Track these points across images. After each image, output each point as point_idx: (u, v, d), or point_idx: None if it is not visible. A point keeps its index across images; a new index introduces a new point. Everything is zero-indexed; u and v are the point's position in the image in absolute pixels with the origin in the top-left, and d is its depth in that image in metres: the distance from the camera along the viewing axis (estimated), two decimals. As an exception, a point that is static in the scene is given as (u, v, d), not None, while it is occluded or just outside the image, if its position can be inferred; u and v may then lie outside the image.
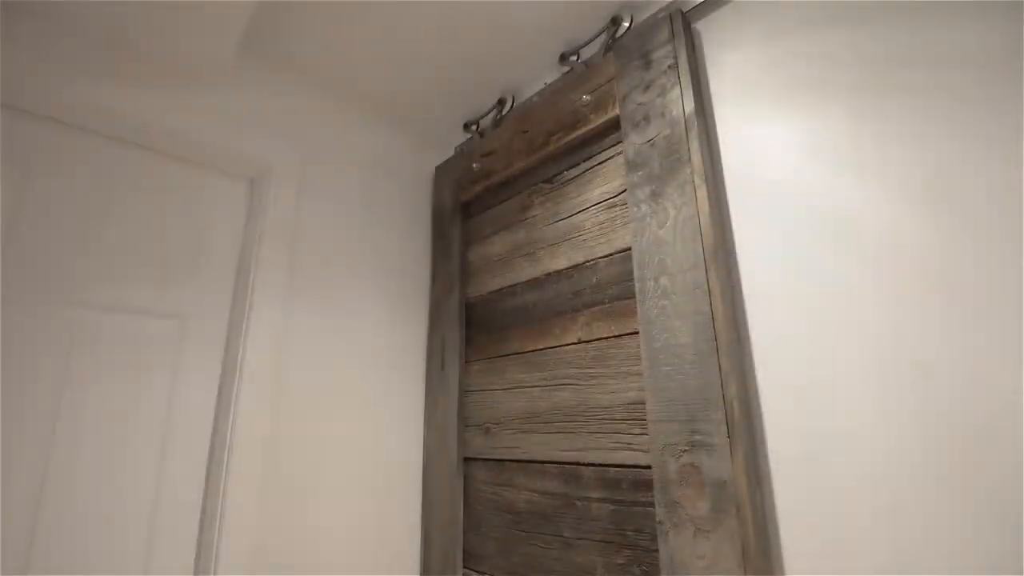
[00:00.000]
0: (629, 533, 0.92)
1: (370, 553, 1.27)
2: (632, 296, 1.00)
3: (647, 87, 1.03)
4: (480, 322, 1.35)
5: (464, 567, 1.23)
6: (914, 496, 0.66)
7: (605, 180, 1.11)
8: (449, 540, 1.25)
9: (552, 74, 1.36)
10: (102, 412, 1.05)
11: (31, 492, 0.96)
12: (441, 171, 1.60)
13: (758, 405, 0.82)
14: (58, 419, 1.00)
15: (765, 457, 0.80)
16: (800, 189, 0.84)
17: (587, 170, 1.15)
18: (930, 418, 0.66)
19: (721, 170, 0.95)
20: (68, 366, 1.03)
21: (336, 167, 1.46)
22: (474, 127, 1.54)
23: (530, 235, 1.26)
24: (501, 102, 1.44)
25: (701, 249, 0.87)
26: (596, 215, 1.11)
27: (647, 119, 1.02)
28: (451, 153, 1.65)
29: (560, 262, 1.17)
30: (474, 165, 1.43)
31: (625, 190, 1.05)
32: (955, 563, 0.62)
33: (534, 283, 1.22)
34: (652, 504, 0.89)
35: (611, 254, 1.06)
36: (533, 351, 1.18)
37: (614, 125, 1.11)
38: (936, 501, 0.65)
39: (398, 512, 1.34)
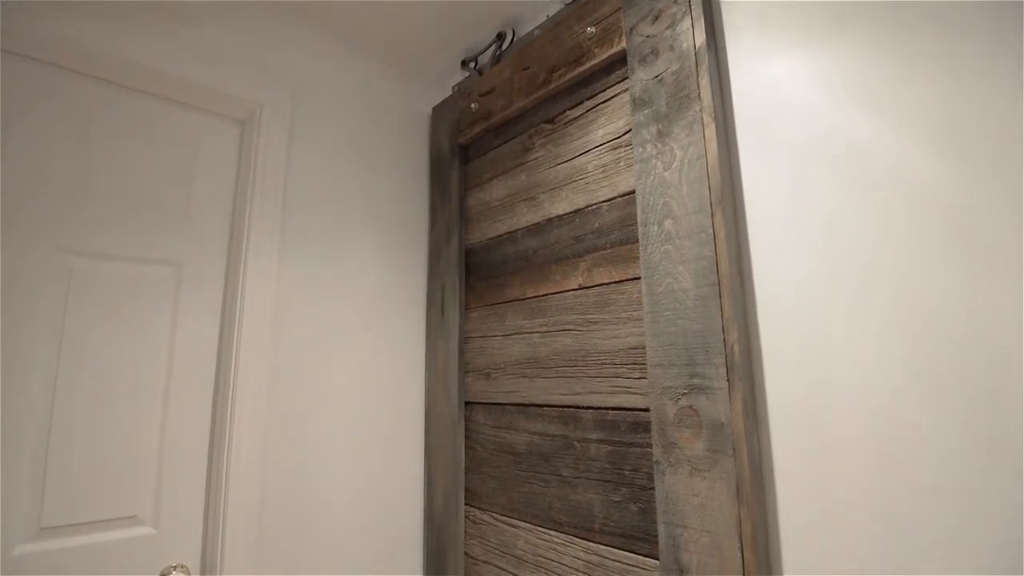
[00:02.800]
0: (626, 472, 0.95)
1: (374, 493, 1.32)
2: (635, 241, 0.98)
3: (656, 18, 0.97)
4: (480, 269, 1.34)
5: (466, 504, 1.27)
6: (912, 445, 0.67)
7: (609, 120, 1.06)
8: (451, 480, 1.29)
9: (555, 5, 1.28)
10: (103, 360, 1.05)
11: (38, 442, 0.98)
12: (438, 112, 1.54)
13: (759, 350, 0.82)
14: (59, 368, 1.01)
15: (764, 401, 0.81)
16: (812, 129, 0.80)
17: (591, 109, 1.10)
18: (931, 367, 0.66)
19: (731, 108, 0.91)
20: (64, 314, 1.03)
21: (329, 109, 1.40)
22: (472, 64, 1.46)
23: (531, 179, 1.23)
24: (500, 37, 1.37)
25: (707, 191, 0.85)
26: (599, 157, 1.07)
27: (655, 53, 0.96)
28: (449, 93, 1.58)
29: (561, 207, 1.14)
30: (472, 105, 1.38)
31: (630, 130, 1.01)
32: (952, 512, 0.63)
33: (535, 229, 1.20)
34: (649, 445, 0.91)
35: (614, 198, 1.03)
36: (534, 297, 1.17)
37: (620, 60, 1.05)
38: (934, 449, 0.65)
39: (400, 454, 1.38)
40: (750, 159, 0.87)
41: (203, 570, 1.10)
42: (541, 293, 1.16)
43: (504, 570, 1.15)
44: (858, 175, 0.75)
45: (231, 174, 1.28)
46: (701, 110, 0.88)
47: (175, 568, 1.06)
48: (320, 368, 1.28)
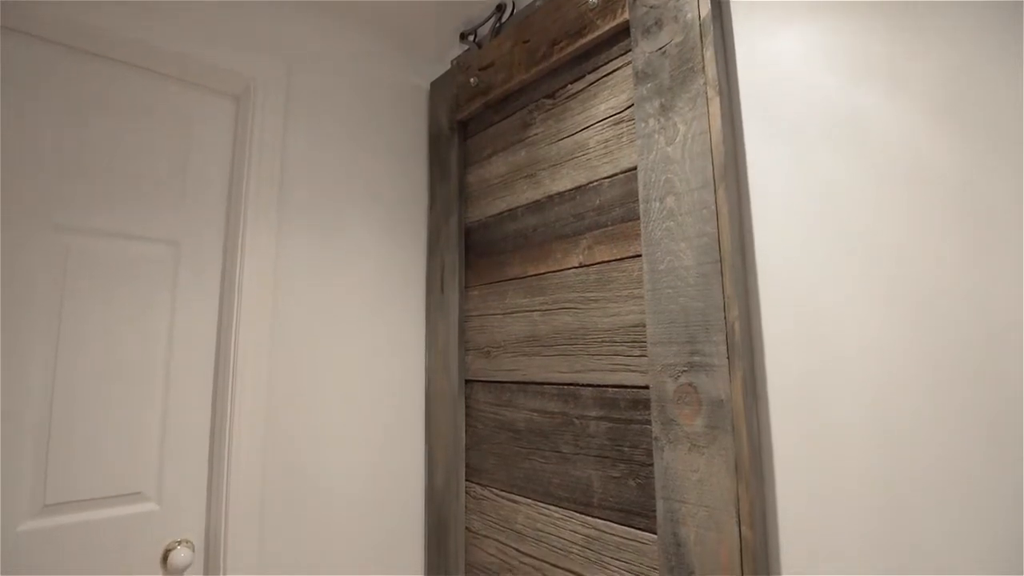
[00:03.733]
0: (625, 449, 0.95)
1: (375, 468, 1.33)
2: (636, 218, 0.97)
3: (660, -13, 0.94)
4: (480, 247, 1.33)
5: (467, 480, 1.29)
6: (912, 423, 0.67)
7: (612, 94, 1.04)
8: (452, 457, 1.30)
9: (556, -25, 1.24)
10: (102, 339, 1.05)
11: (39, 420, 0.98)
12: (436, 87, 1.51)
13: (760, 327, 0.82)
14: (58, 346, 1.00)
15: (764, 378, 0.81)
16: (817, 104, 0.78)
17: (593, 83, 1.08)
18: (933, 345, 0.66)
19: (736, 82, 0.89)
20: (63, 292, 1.02)
21: (325, 84, 1.37)
22: (471, 37, 1.43)
23: (531, 155, 1.21)
24: (500, 8, 1.33)
25: (711, 167, 0.83)
26: (601, 132, 1.05)
27: (659, 24, 0.94)
28: (447, 67, 1.55)
29: (562, 183, 1.12)
30: (471, 80, 1.35)
31: (632, 104, 0.99)
32: (951, 493, 0.64)
33: (535, 206, 1.18)
34: (648, 422, 0.91)
35: (615, 174, 1.02)
36: (534, 275, 1.17)
37: (623, 31, 1.03)
38: (934, 428, 0.65)
39: (401, 431, 1.39)
40: (754, 134, 0.86)
41: (207, 545, 1.12)
42: (541, 271, 1.15)
43: (504, 544, 1.17)
44: (863, 151, 0.73)
45: (227, 151, 1.26)
46: (705, 83, 0.86)
47: (179, 543, 1.07)
48: (320, 346, 1.28)
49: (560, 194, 1.13)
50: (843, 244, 0.74)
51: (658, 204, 0.90)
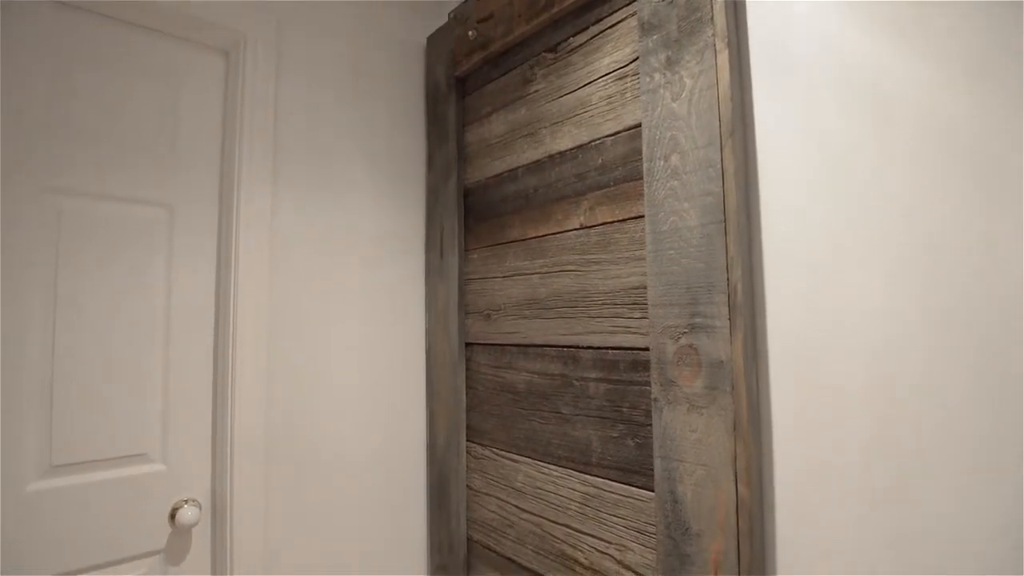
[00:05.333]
0: (624, 410, 0.96)
1: (377, 430, 1.35)
2: (639, 177, 0.95)
3: (669, -71, 0.89)
4: (479, 209, 1.31)
5: (468, 441, 1.30)
6: (916, 385, 0.66)
7: (616, 47, 1.00)
8: (453, 418, 1.32)
9: (558, -82, 1.17)
10: (99, 302, 1.04)
11: (40, 382, 0.98)
12: (433, 42, 1.46)
13: (762, 288, 0.81)
14: (56, 310, 1.00)
15: (765, 339, 0.80)
16: (832, 59, 0.75)
17: (596, 35, 1.04)
18: (938, 308, 0.65)
19: (746, 33, 0.85)
20: (57, 255, 1.01)
21: (317, 39, 1.32)
22: (469, -12, 1.36)
23: (532, 112, 1.17)
24: (499, -45, 1.26)
25: (717, 123, 0.81)
26: (604, 88, 1.02)
27: (666, -30, 0.89)
28: (445, 20, 1.49)
29: (564, 142, 1.09)
30: (469, 33, 1.29)
31: (637, 58, 0.95)
32: (954, 456, 0.64)
33: (535, 166, 1.16)
34: (648, 383, 0.92)
35: (619, 132, 0.99)
36: (534, 238, 1.15)
37: (628, -20, 0.97)
38: (938, 391, 0.65)
39: (403, 393, 1.40)
40: (763, 89, 0.82)
41: (214, 503, 1.14)
42: (542, 233, 1.13)
43: (504, 501, 1.19)
44: (877, 109, 0.71)
45: (218, 110, 1.22)
46: (714, 35, 0.82)
47: (186, 502, 1.10)
48: (319, 308, 1.28)
49: (561, 153, 1.10)
50: (850, 204, 0.72)
51: (662, 163, 0.88)
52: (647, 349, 0.92)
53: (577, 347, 1.05)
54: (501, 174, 1.24)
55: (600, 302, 1.01)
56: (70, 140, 1.03)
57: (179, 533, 1.09)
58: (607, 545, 0.97)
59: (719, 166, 0.80)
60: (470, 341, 1.31)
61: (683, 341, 0.84)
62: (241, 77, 1.19)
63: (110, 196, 1.07)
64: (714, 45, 0.82)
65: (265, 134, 1.21)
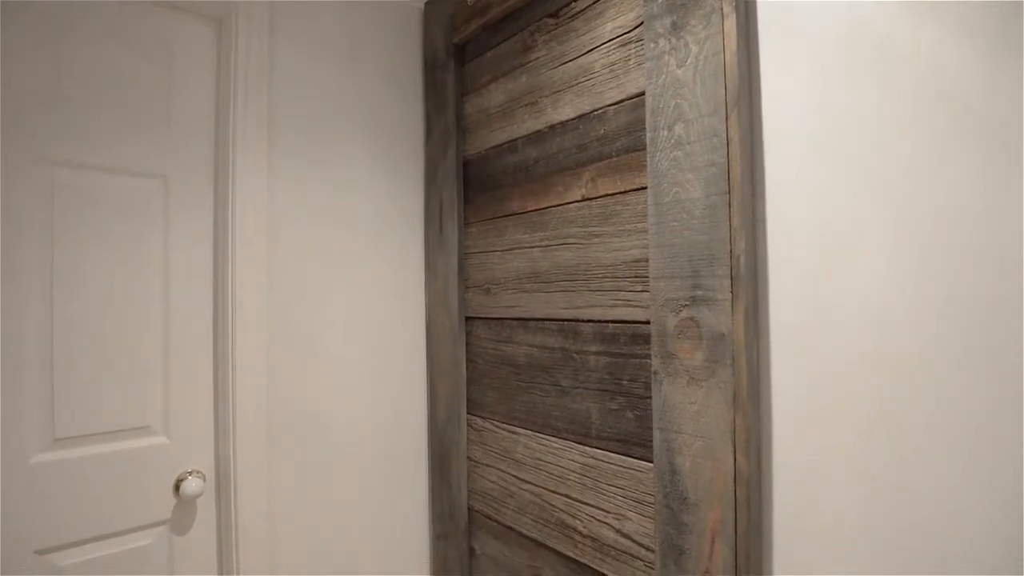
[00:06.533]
0: (624, 382, 0.96)
1: (379, 403, 1.36)
2: (642, 148, 0.93)
3: None
4: (479, 182, 1.29)
5: (468, 413, 1.31)
6: (917, 359, 0.66)
7: (619, 11, 0.97)
8: (453, 391, 1.33)
9: None
10: (96, 275, 1.03)
11: (42, 357, 0.98)
12: (432, 7, 1.41)
13: (765, 261, 0.80)
14: (54, 283, 0.99)
15: (767, 312, 0.80)
16: (843, 25, 0.72)
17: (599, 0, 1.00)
18: (940, 282, 0.64)
19: (755, -4, 0.82)
20: (53, 227, 0.99)
21: (311, 5, 1.28)
22: (467, -50, 1.31)
23: (532, 81, 1.14)
24: (499, -85, 1.21)
25: (723, 91, 0.78)
26: (607, 55, 0.99)
27: (673, -71, 0.85)
28: (442, -15, 1.44)
29: (565, 112, 1.07)
30: (468, -2, 1.25)
31: (641, 23, 0.92)
32: (954, 432, 0.64)
33: (536, 137, 1.13)
34: (648, 356, 0.92)
35: (622, 100, 0.96)
36: (535, 211, 1.14)
37: (633, -60, 0.94)
38: (940, 366, 0.65)
39: (404, 367, 1.41)
40: (771, 56, 0.80)
41: (217, 474, 1.15)
42: (543, 206, 1.12)
43: (504, 471, 1.21)
44: (888, 79, 0.68)
45: (211, 79, 1.18)
46: (721, -2, 0.79)
47: (190, 473, 1.11)
48: (318, 280, 1.27)
49: (563, 123, 1.07)
50: (858, 175, 0.71)
51: (666, 132, 0.86)
52: (648, 322, 0.92)
53: (577, 320, 1.04)
54: (501, 145, 1.22)
55: (601, 275, 1.00)
56: (61, 110, 1.00)
57: (184, 504, 1.11)
58: (605, 514, 0.99)
59: (724, 135, 0.78)
60: (470, 315, 1.31)
61: (684, 314, 0.83)
62: (233, 46, 1.15)
63: (103, 167, 1.04)
64: (721, 9, 0.79)
65: (260, 104, 1.18)
